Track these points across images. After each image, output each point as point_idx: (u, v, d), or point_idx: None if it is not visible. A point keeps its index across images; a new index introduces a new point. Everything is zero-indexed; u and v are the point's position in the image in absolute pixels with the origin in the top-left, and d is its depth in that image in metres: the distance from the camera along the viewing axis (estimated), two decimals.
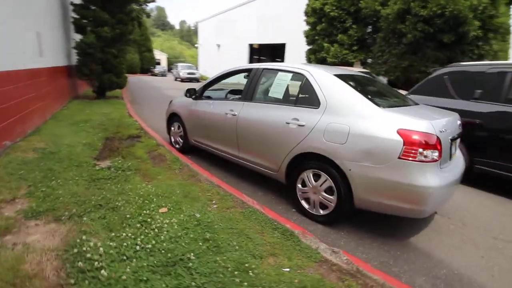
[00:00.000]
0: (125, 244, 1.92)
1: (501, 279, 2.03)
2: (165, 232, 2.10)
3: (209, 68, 28.59)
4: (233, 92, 4.26)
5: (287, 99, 2.92)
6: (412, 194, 2.08)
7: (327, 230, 2.52)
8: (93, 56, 8.09)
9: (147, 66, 32.00)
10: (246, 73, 4.10)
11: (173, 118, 4.52)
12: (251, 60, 26.60)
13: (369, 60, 10.85)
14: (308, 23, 12.17)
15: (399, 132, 2.09)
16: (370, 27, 10.82)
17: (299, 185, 2.71)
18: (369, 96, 2.43)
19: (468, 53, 8.45)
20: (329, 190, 2.48)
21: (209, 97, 4.08)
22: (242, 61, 25.62)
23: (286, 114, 2.76)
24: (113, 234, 2.03)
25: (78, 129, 5.17)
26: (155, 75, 30.36)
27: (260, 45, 28.26)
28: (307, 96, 2.73)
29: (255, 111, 3.08)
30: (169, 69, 44.09)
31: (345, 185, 2.35)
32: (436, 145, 2.03)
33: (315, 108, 2.57)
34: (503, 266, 2.18)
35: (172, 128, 4.56)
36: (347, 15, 10.69)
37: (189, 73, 24.35)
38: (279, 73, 3.03)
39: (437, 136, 2.06)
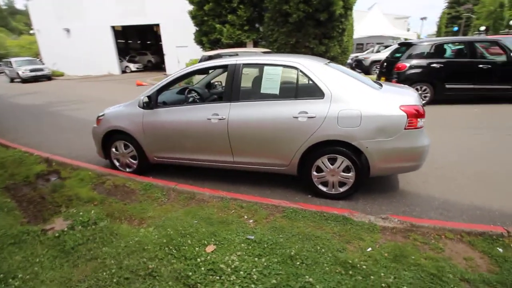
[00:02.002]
0: None
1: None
2: (254, 270, 1.85)
3: (60, 60, 22.57)
4: (192, 91, 3.75)
5: (284, 94, 2.90)
6: (415, 154, 2.66)
7: (348, 203, 2.87)
8: None
9: None
10: (213, 70, 3.71)
11: (112, 136, 3.57)
12: (118, 45, 22.87)
13: (261, 40, 11.58)
14: (192, 2, 11.51)
15: (401, 108, 2.57)
16: (252, 9, 11.36)
17: (314, 172, 2.88)
18: (362, 81, 2.80)
19: (336, 28, 10.45)
20: (346, 169, 2.79)
21: (164, 103, 3.46)
22: (107, 47, 21.66)
23: (290, 108, 2.77)
24: None
25: None
26: None
27: (124, 27, 24.58)
28: (306, 89, 2.82)
29: (250, 111, 2.91)
30: None
31: (361, 161, 2.71)
32: (424, 114, 2.64)
33: (320, 99, 2.72)
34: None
35: (114, 150, 3.62)
36: None
37: (33, 70, 18.53)
38: (266, 67, 2.93)
39: (422, 107, 2.68)
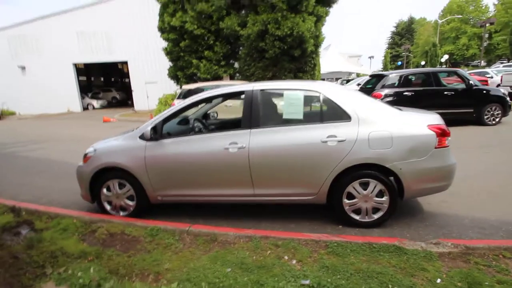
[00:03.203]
0: None
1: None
2: None
3: (10, 99, 20.61)
4: (198, 121, 3.46)
5: (309, 118, 2.77)
6: (445, 173, 2.64)
7: (384, 231, 2.68)
8: None
9: None
10: (223, 98, 3.50)
11: (103, 175, 3.06)
12: (79, 82, 21.78)
13: (237, 74, 11.85)
14: (167, 39, 11.57)
15: (429, 128, 2.57)
16: (229, 46, 11.76)
17: (345, 199, 2.69)
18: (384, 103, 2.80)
19: (308, 63, 11.15)
20: (379, 194, 2.64)
21: (169, 134, 3.11)
22: (68, 84, 20.47)
23: (317, 133, 2.64)
24: None
25: None
26: None
27: (88, 64, 23.81)
28: (331, 112, 2.73)
29: (273, 137, 2.70)
30: None
31: (395, 184, 2.60)
32: (449, 133, 2.68)
33: (347, 122, 2.63)
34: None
35: (105, 191, 3.08)
36: (209, 33, 11.10)
37: None
38: (286, 92, 2.82)
39: (446, 126, 2.73)
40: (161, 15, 11.81)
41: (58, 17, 19.57)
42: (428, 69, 9.22)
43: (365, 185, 2.64)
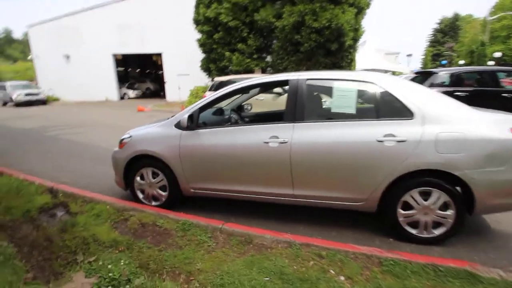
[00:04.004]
0: None
1: None
2: None
3: (56, 85, 22.13)
4: (234, 111, 3.26)
5: (362, 114, 2.44)
6: None
7: (446, 250, 2.29)
8: None
9: None
10: (263, 88, 3.27)
11: (137, 163, 2.97)
12: (117, 72, 22.81)
13: (269, 68, 11.55)
14: (201, 31, 11.56)
15: None
16: (262, 39, 11.48)
17: (400, 210, 2.33)
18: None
19: (345, 58, 10.53)
20: (443, 206, 2.25)
21: (204, 124, 2.94)
22: (107, 73, 21.53)
23: (372, 130, 2.30)
24: None
25: None
26: None
27: (125, 56, 24.83)
28: (389, 107, 2.37)
29: (319, 133, 2.41)
30: None
31: (464, 195, 2.20)
32: None
33: (409, 119, 2.26)
34: None
35: (138, 179, 3.00)
36: (243, 25, 10.90)
37: (28, 94, 17.92)
38: (337, 83, 2.50)
39: None
40: (196, 6, 11.82)
41: (98, 9, 20.56)
42: (485, 67, 8.26)
43: (426, 195, 2.26)
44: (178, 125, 2.77)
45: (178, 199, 2.95)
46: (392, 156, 2.23)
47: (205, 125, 2.91)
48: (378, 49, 32.49)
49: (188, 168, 2.75)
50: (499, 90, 6.64)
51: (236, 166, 2.62)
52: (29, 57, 26.69)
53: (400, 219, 2.34)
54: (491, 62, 30.19)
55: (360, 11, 10.33)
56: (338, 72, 2.64)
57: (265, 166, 2.53)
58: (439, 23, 58.12)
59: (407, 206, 2.31)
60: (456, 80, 6.97)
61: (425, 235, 2.33)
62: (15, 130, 8.59)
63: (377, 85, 2.39)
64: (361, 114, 2.44)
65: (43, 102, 18.84)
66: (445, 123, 2.21)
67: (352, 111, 2.41)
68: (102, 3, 20.55)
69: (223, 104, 3.39)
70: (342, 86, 2.47)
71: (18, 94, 17.43)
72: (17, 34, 68.55)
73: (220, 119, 3.21)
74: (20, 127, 9.08)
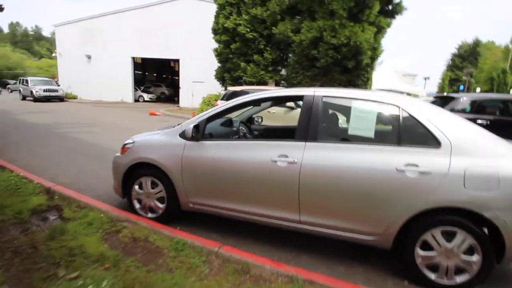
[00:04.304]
0: None
1: None
2: None
3: (75, 84, 22.81)
4: (243, 124, 3.11)
5: (381, 138, 2.24)
6: None
7: None
8: None
9: None
10: (276, 102, 3.13)
11: (136, 170, 2.83)
12: (135, 75, 23.35)
13: (283, 82, 11.48)
14: (219, 41, 11.68)
15: None
16: (278, 52, 11.47)
17: (419, 250, 2.07)
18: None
19: (362, 77, 10.35)
20: (468, 250, 1.98)
21: (211, 136, 2.79)
22: (125, 75, 22.06)
23: (392, 158, 2.08)
24: None
25: None
26: None
27: (144, 59, 25.50)
28: (412, 133, 2.16)
29: (333, 155, 2.21)
30: (4, 85, 32.55)
31: (493, 241, 1.93)
32: None
33: (435, 149, 2.04)
34: None
35: (136, 187, 2.85)
36: (261, 37, 10.94)
37: (47, 90, 18.46)
38: (356, 103, 2.31)
39: None
40: (216, 16, 12.00)
41: (121, 14, 21.31)
42: (508, 95, 7.89)
43: (449, 235, 2.00)
44: (183, 135, 2.62)
45: (176, 213, 2.77)
46: (414, 188, 2.00)
47: (211, 136, 2.76)
48: (395, 69, 32.17)
49: (189, 181, 2.59)
50: None
51: (240, 184, 2.43)
52: (53, 54, 27.78)
53: (418, 260, 2.08)
54: None
55: (380, 30, 10.20)
56: (358, 91, 2.45)
57: (271, 187, 2.34)
58: (458, 48, 57.51)
59: (427, 246, 2.05)
60: (479, 107, 6.65)
61: (445, 281, 2.05)
62: (27, 125, 8.71)
63: (400, 108, 2.19)
64: (381, 138, 2.23)
65: (61, 99, 19.35)
66: (476, 156, 1.97)
67: (371, 134, 2.20)
68: (126, 8, 21.30)
69: (233, 114, 3.25)
70: (362, 107, 2.28)
71: (38, 90, 17.99)
72: (46, 32, 71.89)
73: (228, 131, 3.05)
74: (33, 122, 9.23)
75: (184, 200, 2.66)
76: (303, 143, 2.29)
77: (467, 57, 55.28)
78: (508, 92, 30.25)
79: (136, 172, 2.83)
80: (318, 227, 2.30)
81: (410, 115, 2.15)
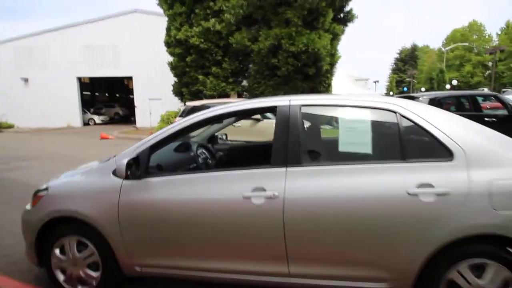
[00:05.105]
0: None
1: None
2: None
3: (10, 111, 20.00)
4: (203, 147, 2.46)
5: (381, 154, 1.76)
6: None
7: None
8: None
9: None
10: (242, 116, 2.55)
11: (56, 228, 2.02)
12: (83, 96, 21.30)
13: (245, 93, 11.08)
14: (173, 54, 10.95)
15: None
16: (237, 62, 11.11)
17: None
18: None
19: (323, 83, 10.36)
20: (504, 285, 1.56)
21: (159, 168, 2.10)
22: (71, 98, 19.98)
23: (400, 179, 1.60)
24: None
25: None
26: None
27: (93, 79, 23.55)
28: (417, 144, 1.73)
29: (324, 183, 1.67)
30: None
31: None
32: None
33: (447, 161, 1.61)
34: None
35: (57, 252, 2.02)
36: (217, 48, 10.46)
37: None
38: (343, 111, 1.83)
39: None
40: (168, 29, 11.30)
41: (64, 30, 19.48)
42: (466, 92, 8.37)
43: (479, 270, 1.56)
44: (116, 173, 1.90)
45: (118, 281, 1.99)
46: (432, 216, 1.54)
47: (159, 169, 2.07)
48: (349, 74, 34.09)
49: (132, 236, 1.85)
50: (481, 114, 6.54)
51: (204, 234, 1.77)
52: None
53: None
54: (447, 86, 33.09)
55: (335, 37, 10.39)
56: (341, 96, 1.98)
57: (246, 234, 1.72)
58: (399, 53, 63.53)
59: (452, 286, 1.59)
60: (437, 105, 6.81)
61: None
62: None
63: (399, 114, 1.74)
64: (381, 154, 1.76)
65: None
66: (497, 166, 1.58)
67: (368, 150, 1.72)
68: (68, 24, 19.51)
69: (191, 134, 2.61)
70: (352, 116, 1.80)
71: None
72: None
73: (184, 159, 2.38)
74: None
75: (127, 262, 1.91)
76: (283, 169, 1.73)
77: (408, 61, 61.27)
78: (445, 89, 33.75)
79: (55, 230, 2.01)
80: (314, 279, 1.72)
81: (411, 120, 1.72)
